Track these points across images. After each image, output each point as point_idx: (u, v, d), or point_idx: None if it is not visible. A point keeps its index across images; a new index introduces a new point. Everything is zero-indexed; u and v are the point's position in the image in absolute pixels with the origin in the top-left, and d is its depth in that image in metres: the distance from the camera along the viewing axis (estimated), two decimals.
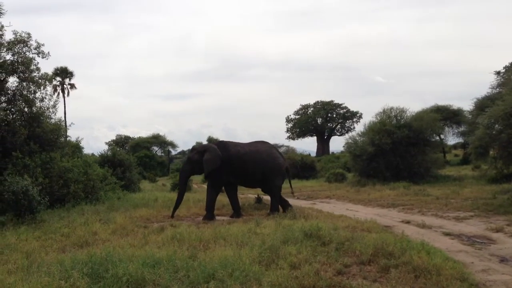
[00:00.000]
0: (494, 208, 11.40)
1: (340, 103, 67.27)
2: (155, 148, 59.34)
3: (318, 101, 67.92)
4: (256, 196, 14.58)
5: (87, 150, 26.97)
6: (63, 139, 16.19)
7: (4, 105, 13.93)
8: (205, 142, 45.75)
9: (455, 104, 65.51)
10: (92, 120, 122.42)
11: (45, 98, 14.71)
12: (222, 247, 6.63)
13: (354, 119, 66.99)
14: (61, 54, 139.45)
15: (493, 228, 8.76)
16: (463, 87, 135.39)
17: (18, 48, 13.89)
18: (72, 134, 32.33)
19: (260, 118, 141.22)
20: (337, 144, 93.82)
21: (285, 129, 69.25)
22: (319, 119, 67.32)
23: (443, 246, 7.07)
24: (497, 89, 22.92)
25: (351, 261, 5.91)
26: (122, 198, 15.48)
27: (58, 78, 42.40)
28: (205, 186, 20.50)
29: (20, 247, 7.41)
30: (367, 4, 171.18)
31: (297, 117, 68.87)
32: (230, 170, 11.31)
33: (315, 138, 68.31)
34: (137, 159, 28.16)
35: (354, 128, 66.02)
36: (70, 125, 18.87)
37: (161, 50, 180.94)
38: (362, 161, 22.53)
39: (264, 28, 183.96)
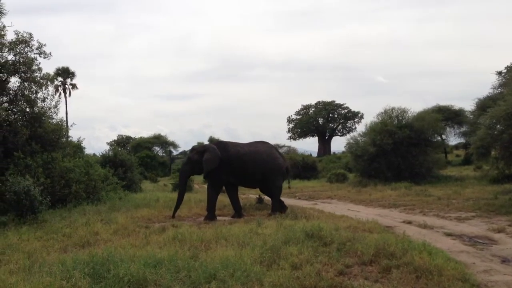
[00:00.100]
0: (496, 208, 11.39)
1: (341, 103, 67.49)
2: (157, 148, 59.43)
3: (319, 101, 68.06)
4: (257, 196, 14.56)
5: (88, 150, 26.98)
6: (64, 139, 16.24)
7: (6, 105, 13.97)
8: (206, 142, 45.78)
9: (455, 104, 65.33)
10: (93, 120, 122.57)
11: (47, 98, 14.81)
12: (223, 248, 6.63)
13: (356, 120, 67.13)
14: (63, 54, 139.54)
15: (495, 228, 8.76)
16: (463, 87, 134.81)
17: (20, 48, 13.95)
18: (74, 134, 32.30)
19: (260, 118, 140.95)
20: (338, 144, 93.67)
21: (287, 129, 69.50)
22: (320, 120, 67.35)
23: (444, 247, 7.06)
24: (499, 89, 22.92)
25: (352, 261, 5.90)
26: (123, 198, 15.50)
27: (60, 78, 42.47)
28: (206, 186, 20.48)
29: (21, 247, 7.43)
30: (367, 4, 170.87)
31: (298, 117, 68.91)
32: (230, 170, 11.29)
33: (316, 138, 68.40)
34: (138, 159, 28.27)
35: (355, 128, 66.36)
36: (71, 125, 18.82)
37: (162, 50, 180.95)
38: (364, 162, 22.50)
39: (264, 28, 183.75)
